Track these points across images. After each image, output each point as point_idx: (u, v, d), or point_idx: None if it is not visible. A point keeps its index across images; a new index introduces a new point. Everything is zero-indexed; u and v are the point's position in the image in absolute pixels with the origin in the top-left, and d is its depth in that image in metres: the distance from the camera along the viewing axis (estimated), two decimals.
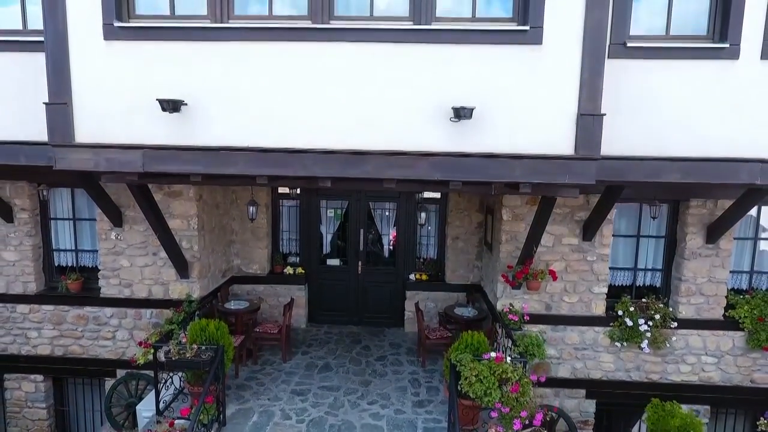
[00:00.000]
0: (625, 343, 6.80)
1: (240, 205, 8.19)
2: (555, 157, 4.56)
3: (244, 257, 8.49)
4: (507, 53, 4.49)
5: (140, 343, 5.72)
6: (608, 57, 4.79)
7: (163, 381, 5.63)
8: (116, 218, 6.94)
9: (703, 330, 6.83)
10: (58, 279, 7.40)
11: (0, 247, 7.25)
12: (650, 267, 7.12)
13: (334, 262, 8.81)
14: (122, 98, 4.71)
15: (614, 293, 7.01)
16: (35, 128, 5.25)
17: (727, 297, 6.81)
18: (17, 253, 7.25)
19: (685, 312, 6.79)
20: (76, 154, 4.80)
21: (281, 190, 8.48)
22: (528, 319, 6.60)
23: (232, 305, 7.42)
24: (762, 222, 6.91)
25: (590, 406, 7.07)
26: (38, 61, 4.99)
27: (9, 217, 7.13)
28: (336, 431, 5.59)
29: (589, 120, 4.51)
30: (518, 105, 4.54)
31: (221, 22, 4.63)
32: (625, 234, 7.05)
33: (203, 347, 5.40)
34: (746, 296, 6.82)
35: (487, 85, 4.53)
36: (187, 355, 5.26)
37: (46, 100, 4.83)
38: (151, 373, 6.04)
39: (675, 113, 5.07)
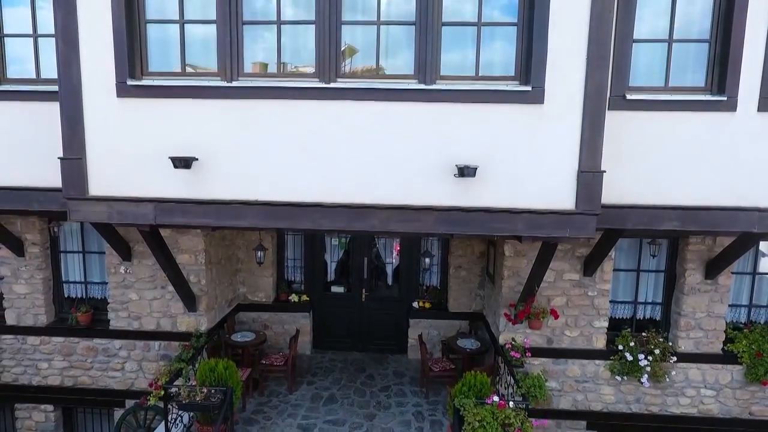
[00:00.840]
0: (625, 377, 6.92)
1: (246, 235, 8.33)
2: (556, 212, 4.69)
3: (249, 285, 8.62)
4: (509, 112, 4.61)
5: (150, 385, 5.85)
6: (608, 108, 4.92)
7: (173, 419, 5.76)
8: (125, 253, 7.07)
9: (702, 363, 6.94)
10: (68, 311, 7.53)
11: (11, 281, 7.39)
12: (650, 301, 7.23)
13: (338, 289, 8.94)
14: (135, 153, 4.84)
15: (615, 325, 7.13)
16: (49, 174, 5.39)
17: (725, 331, 6.92)
18: (28, 286, 7.39)
19: (684, 346, 6.90)
20: (89, 207, 4.94)
21: None
22: (529, 353, 6.72)
23: (239, 337, 7.55)
24: (760, 257, 7.03)
25: None
26: (52, 109, 5.12)
27: (20, 251, 7.27)
28: None
29: (590, 177, 4.63)
30: (520, 161, 4.66)
31: (231, 80, 4.75)
32: (626, 268, 7.17)
33: (213, 390, 5.53)
34: (745, 331, 6.94)
35: (489, 142, 4.65)
36: (197, 398, 5.39)
37: (59, 147, 4.97)
38: (160, 403, 6.17)
39: (674, 163, 5.19)
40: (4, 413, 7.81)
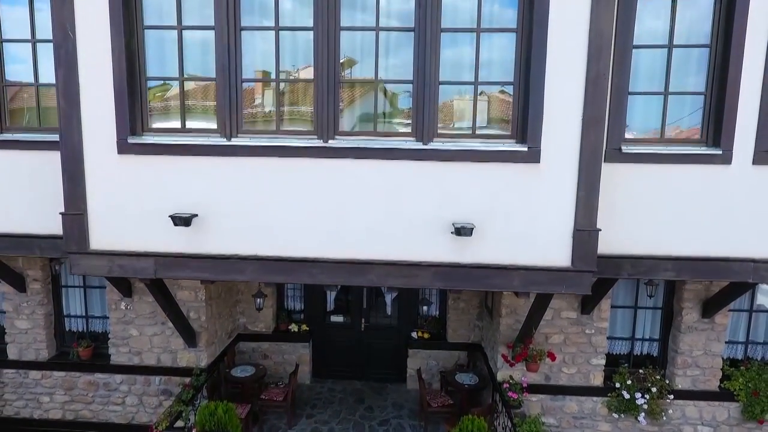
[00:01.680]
0: (622, 414, 6.96)
1: None
2: (552, 269, 4.73)
3: (249, 316, 8.67)
4: (506, 170, 4.66)
5: (151, 429, 5.90)
6: (604, 161, 4.97)
7: None
8: (126, 290, 7.11)
9: (699, 401, 6.98)
10: (69, 345, 7.59)
11: (13, 316, 7.45)
12: (648, 337, 7.27)
13: (338, 318, 8.99)
14: (135, 208, 4.89)
15: (612, 361, 7.18)
16: (50, 221, 5.45)
17: (722, 369, 6.96)
18: (29, 322, 7.45)
19: (681, 384, 6.95)
20: (90, 261, 4.99)
21: None
22: (527, 393, 6.76)
23: (239, 372, 7.60)
24: (757, 294, 7.08)
25: None
26: (53, 157, 5.18)
27: (22, 287, 7.32)
28: None
29: (585, 235, 4.67)
30: (517, 219, 4.70)
31: (230, 137, 4.80)
32: (623, 305, 7.21)
33: None
34: (741, 368, 6.98)
35: (486, 199, 4.69)
36: None
37: (61, 194, 5.03)
38: None
39: (669, 214, 5.22)
40: None
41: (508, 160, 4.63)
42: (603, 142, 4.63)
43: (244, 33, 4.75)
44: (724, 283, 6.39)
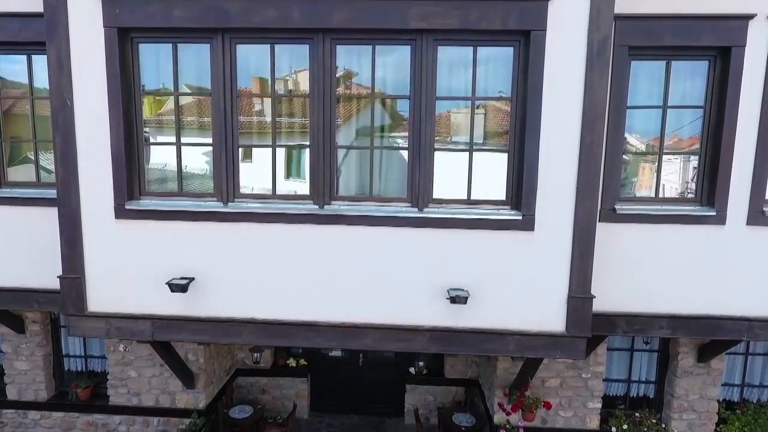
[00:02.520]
0: None
1: None
2: (546, 335, 4.76)
3: (248, 351, 8.69)
4: (500, 238, 4.69)
5: None
6: (599, 221, 5.00)
7: None
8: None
9: None
10: (68, 384, 7.63)
11: (12, 357, 7.48)
12: (644, 379, 7.30)
13: (336, 353, 9.01)
14: (133, 272, 4.92)
15: (609, 402, 7.22)
16: (48, 276, 5.50)
17: (718, 413, 6.99)
18: (29, 363, 7.48)
19: (677, 428, 6.97)
20: (88, 323, 5.02)
21: None
22: None
23: (237, 413, 7.63)
24: None
25: None
26: (52, 213, 5.22)
27: (21, 329, 7.36)
28: None
29: (579, 302, 4.70)
30: (511, 285, 4.74)
31: (227, 202, 4.84)
32: (619, 348, 7.24)
33: None
34: (737, 412, 7.00)
35: (481, 266, 4.73)
36: None
37: (58, 250, 5.07)
38: None
39: (663, 272, 5.25)
40: None
41: (502, 228, 4.66)
42: (597, 210, 4.66)
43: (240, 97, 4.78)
44: None
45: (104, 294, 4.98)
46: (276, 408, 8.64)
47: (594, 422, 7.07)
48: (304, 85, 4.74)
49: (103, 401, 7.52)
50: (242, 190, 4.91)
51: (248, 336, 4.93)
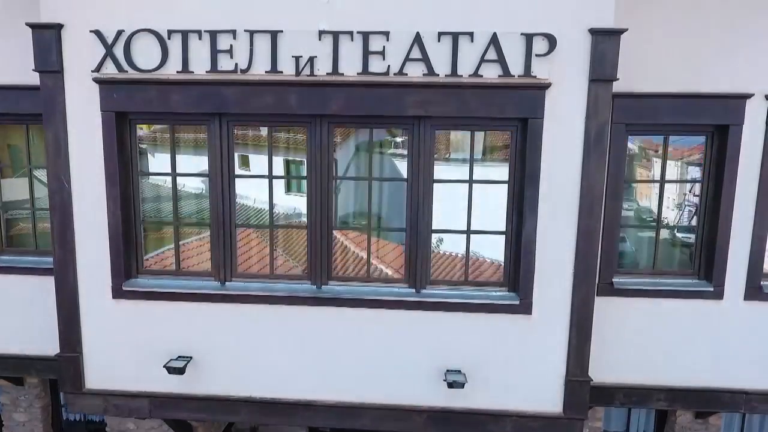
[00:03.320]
0: None
1: None
2: (544, 416, 4.77)
3: None
4: (498, 320, 4.69)
5: None
6: (597, 294, 5.00)
7: None
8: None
9: None
10: None
11: (10, 409, 7.47)
12: None
13: None
14: (130, 350, 4.92)
15: None
16: (46, 344, 5.52)
17: None
18: (27, 414, 7.46)
19: None
20: (86, 400, 5.02)
21: None
22: None
23: None
24: None
25: None
26: (48, 282, 5.22)
27: (19, 381, 7.35)
28: None
29: (577, 384, 4.71)
30: (509, 367, 4.74)
31: (224, 281, 4.84)
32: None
33: None
34: None
35: (479, 348, 4.73)
36: None
37: (55, 319, 5.06)
38: None
39: (662, 345, 5.26)
40: None
41: (500, 312, 4.67)
42: (594, 294, 4.67)
43: (238, 180, 4.78)
44: None
45: (102, 372, 4.98)
46: None
47: None
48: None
49: None
50: (240, 269, 4.91)
51: (246, 414, 4.93)
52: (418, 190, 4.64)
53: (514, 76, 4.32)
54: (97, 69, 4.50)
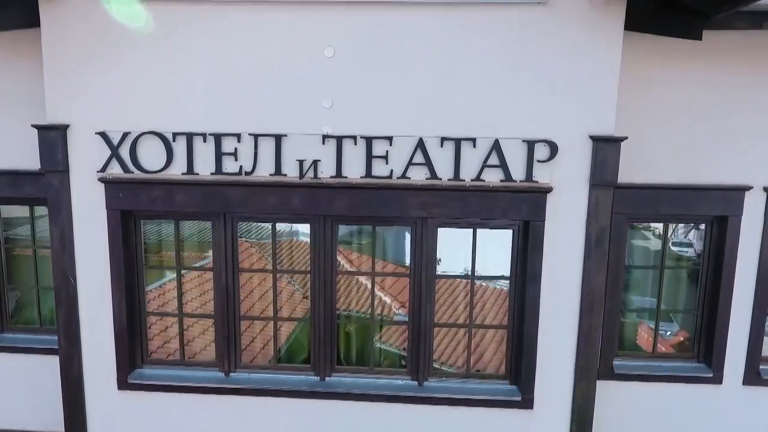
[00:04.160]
0: None
1: None
2: None
3: None
4: (500, 415, 4.75)
5: None
6: (597, 378, 5.05)
7: None
8: None
9: None
10: None
11: None
12: None
13: None
14: None
15: None
16: (49, 419, 5.57)
17: None
18: None
19: None
20: None
21: None
22: None
23: None
24: None
25: None
26: (52, 361, 5.28)
27: None
28: None
29: None
30: None
31: (229, 372, 4.89)
32: None
33: None
34: None
35: None
36: None
37: (59, 396, 5.10)
38: None
39: (661, 429, 5.32)
40: None
41: (501, 407, 4.72)
42: (595, 388, 4.72)
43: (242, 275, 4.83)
44: None
45: None
46: None
47: None
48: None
49: None
50: (244, 359, 4.96)
51: None
52: (420, 284, 4.68)
53: (516, 181, 4.36)
54: (103, 169, 4.54)
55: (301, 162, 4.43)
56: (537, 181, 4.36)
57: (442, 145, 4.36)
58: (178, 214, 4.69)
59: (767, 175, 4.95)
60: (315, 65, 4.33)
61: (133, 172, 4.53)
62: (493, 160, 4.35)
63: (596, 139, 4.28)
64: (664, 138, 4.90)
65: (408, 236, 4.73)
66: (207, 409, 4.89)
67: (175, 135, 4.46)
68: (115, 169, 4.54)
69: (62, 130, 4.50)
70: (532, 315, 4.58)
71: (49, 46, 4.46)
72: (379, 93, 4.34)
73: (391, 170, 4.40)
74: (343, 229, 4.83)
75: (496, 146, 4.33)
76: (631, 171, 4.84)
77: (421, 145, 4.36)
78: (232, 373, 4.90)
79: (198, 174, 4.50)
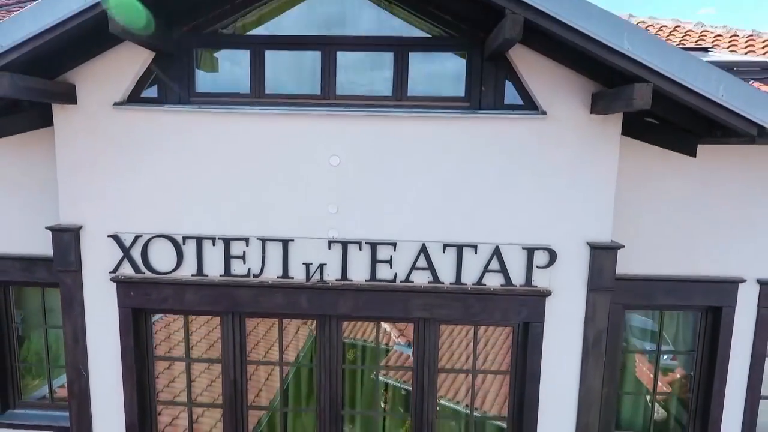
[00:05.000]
0: None
1: None
2: None
3: None
4: None
5: None
6: None
7: None
8: None
9: None
10: None
11: None
12: None
13: None
14: None
15: None
16: None
17: None
18: None
19: None
20: None
21: None
22: None
23: None
24: None
25: None
26: None
27: None
28: None
29: None
30: None
31: None
32: None
33: None
34: None
35: None
36: None
37: None
38: None
39: None
40: None
41: None
42: None
43: (250, 366, 4.96)
44: None
45: None
46: None
47: None
48: None
49: None
50: None
51: None
52: (423, 379, 4.81)
53: (516, 285, 4.50)
54: (115, 270, 4.67)
55: (307, 265, 4.57)
56: (536, 286, 4.50)
57: (444, 251, 4.50)
58: (188, 312, 4.81)
59: (760, 268, 5.08)
60: (321, 172, 4.47)
61: (144, 273, 4.66)
62: (494, 265, 4.49)
63: (594, 247, 4.42)
64: (660, 230, 5.04)
65: None
66: None
67: (185, 238, 4.60)
68: (126, 270, 4.68)
69: (75, 231, 4.63)
70: (530, 410, 4.70)
71: (63, 150, 4.59)
72: (384, 200, 4.47)
73: (395, 274, 4.54)
74: None
75: (496, 252, 4.47)
76: (628, 262, 4.98)
77: (424, 250, 4.50)
78: None
79: (207, 276, 4.64)
